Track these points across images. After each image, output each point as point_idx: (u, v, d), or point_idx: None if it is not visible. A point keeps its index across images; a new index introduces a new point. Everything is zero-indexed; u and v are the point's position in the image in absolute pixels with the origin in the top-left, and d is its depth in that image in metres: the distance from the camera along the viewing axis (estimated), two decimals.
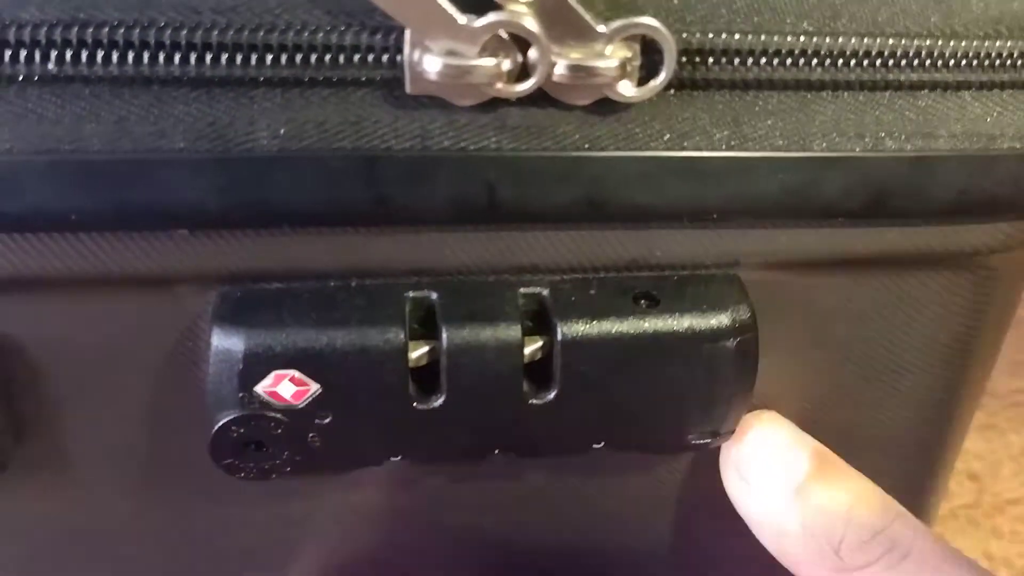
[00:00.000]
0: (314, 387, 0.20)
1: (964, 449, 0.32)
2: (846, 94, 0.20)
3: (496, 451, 0.22)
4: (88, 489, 0.23)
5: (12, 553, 0.24)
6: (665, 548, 0.26)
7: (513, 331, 0.20)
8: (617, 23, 0.18)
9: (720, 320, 0.21)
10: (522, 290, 0.21)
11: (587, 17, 0.18)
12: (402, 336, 0.20)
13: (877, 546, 0.21)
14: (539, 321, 0.21)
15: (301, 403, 0.20)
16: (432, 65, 0.18)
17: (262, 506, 0.24)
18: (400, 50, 0.18)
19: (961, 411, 0.26)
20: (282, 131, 0.18)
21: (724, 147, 0.19)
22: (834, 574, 0.21)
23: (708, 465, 0.24)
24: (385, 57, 0.18)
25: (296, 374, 0.20)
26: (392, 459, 0.22)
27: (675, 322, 0.21)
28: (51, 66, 0.17)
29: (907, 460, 0.26)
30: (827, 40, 0.19)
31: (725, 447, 0.23)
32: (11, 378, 0.21)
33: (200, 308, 0.21)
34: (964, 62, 0.19)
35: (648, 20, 0.18)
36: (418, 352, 0.21)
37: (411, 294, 0.21)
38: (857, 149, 0.20)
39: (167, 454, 0.23)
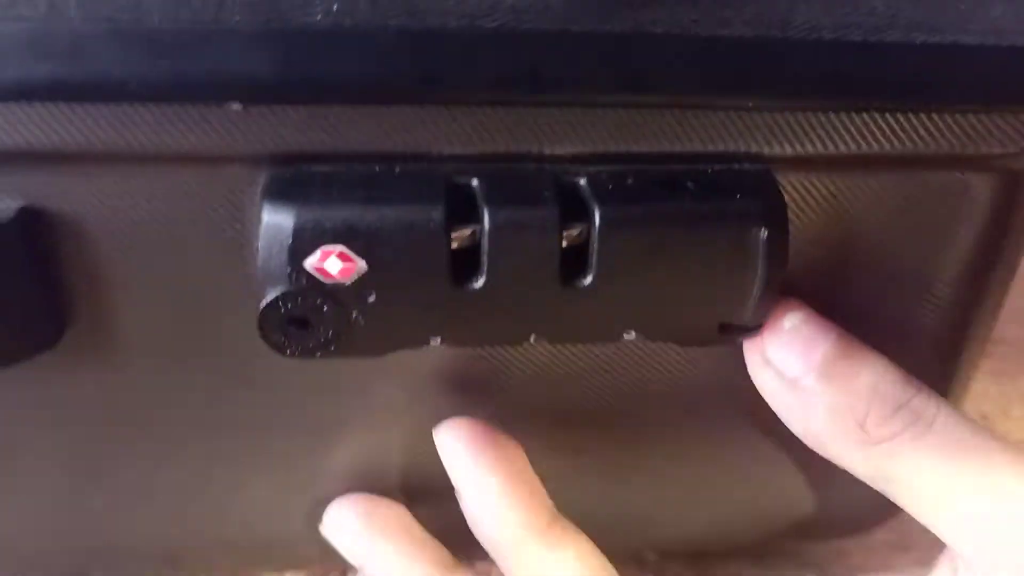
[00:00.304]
0: (360, 264, 0.21)
1: (975, 391, 0.32)
2: None
3: (532, 336, 0.23)
4: (135, 370, 0.24)
5: (59, 436, 0.25)
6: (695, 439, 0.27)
7: (552, 214, 0.21)
8: None
9: (752, 208, 0.22)
10: (561, 178, 0.22)
11: None
12: (444, 216, 0.21)
13: (901, 419, 0.22)
14: (577, 208, 0.22)
15: (347, 280, 0.21)
16: None
17: (306, 390, 0.25)
18: None
19: (980, 322, 0.27)
20: (335, 7, 0.19)
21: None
22: (860, 448, 0.22)
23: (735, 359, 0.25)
24: None
25: (343, 250, 0.21)
26: (432, 342, 0.22)
27: (708, 208, 0.22)
28: None
29: (926, 366, 0.27)
30: None
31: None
32: (61, 254, 0.22)
33: (250, 189, 0.21)
34: None
35: None
36: (460, 233, 0.21)
37: (454, 179, 0.22)
38: (889, 38, 0.20)
39: (213, 336, 0.24)
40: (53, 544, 0.29)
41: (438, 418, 0.26)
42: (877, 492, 0.23)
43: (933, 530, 0.23)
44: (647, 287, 0.22)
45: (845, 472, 0.25)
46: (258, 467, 0.27)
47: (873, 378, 0.22)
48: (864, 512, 0.30)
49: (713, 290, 0.22)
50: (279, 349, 0.22)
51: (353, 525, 0.27)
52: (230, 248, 0.22)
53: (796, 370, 0.23)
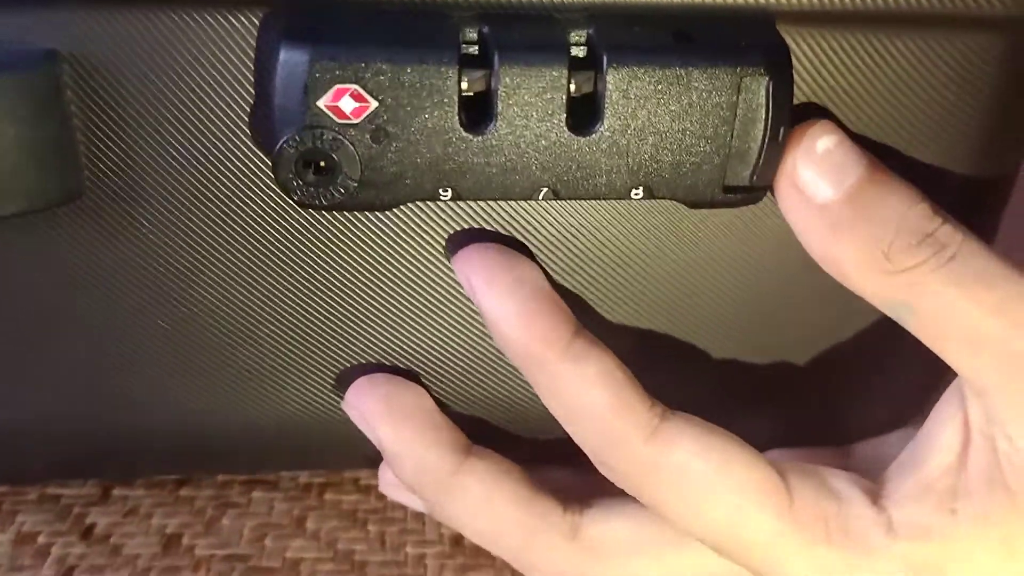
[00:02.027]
0: (373, 104, 0.22)
1: None
2: None
3: (542, 192, 0.23)
4: (158, 225, 0.25)
5: (86, 297, 0.26)
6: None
7: (561, 58, 0.22)
8: None
9: (757, 55, 0.22)
10: (571, 27, 0.22)
11: None
12: (456, 58, 0.21)
13: (926, 248, 0.22)
14: (586, 59, 0.22)
15: (360, 120, 0.22)
16: None
17: (324, 250, 0.25)
18: None
19: (990, 191, 0.27)
20: None
21: None
22: (882, 276, 0.22)
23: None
24: None
25: (357, 89, 0.22)
26: (442, 195, 0.23)
27: (714, 56, 0.22)
28: None
29: None
30: None
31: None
32: (86, 100, 0.23)
33: (270, 35, 0.22)
34: None
35: None
36: (471, 75, 0.22)
37: (467, 26, 0.22)
38: None
39: (235, 190, 0.24)
40: (77, 428, 0.29)
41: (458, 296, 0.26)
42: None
43: (948, 359, 0.23)
44: (654, 138, 0.23)
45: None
46: (280, 334, 0.27)
47: (902, 207, 0.22)
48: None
49: (718, 143, 0.23)
50: (290, 192, 0.22)
51: (374, 406, 0.27)
52: (246, 95, 0.23)
53: (825, 194, 0.23)
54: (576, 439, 0.24)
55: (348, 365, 0.28)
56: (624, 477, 0.24)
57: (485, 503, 0.26)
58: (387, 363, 0.28)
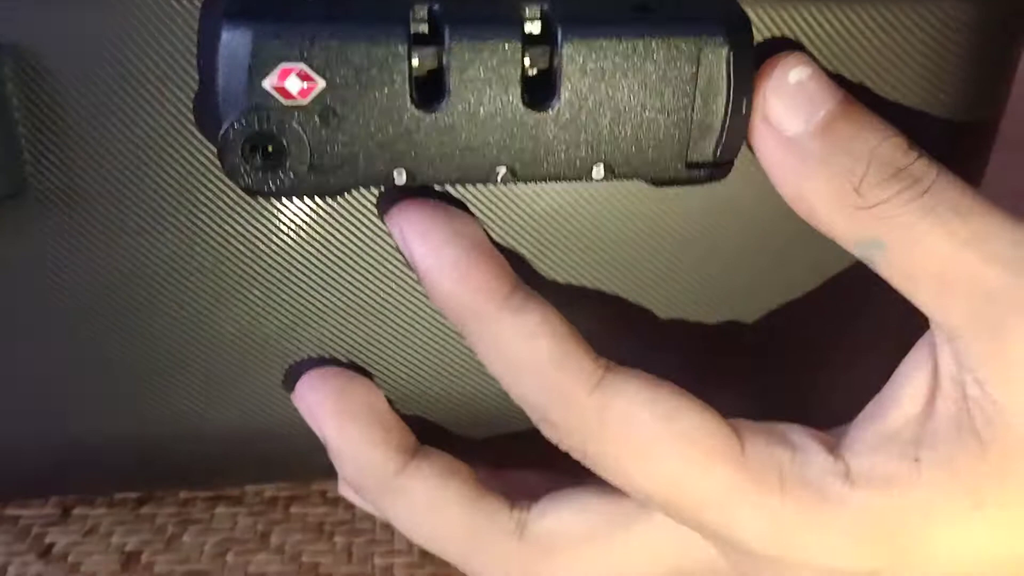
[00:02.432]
0: (320, 83, 0.21)
1: None
2: None
3: (500, 172, 0.22)
4: (104, 221, 0.24)
5: (27, 298, 0.25)
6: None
7: (514, 31, 0.21)
8: None
9: (716, 24, 0.22)
10: (525, 3, 0.22)
11: None
12: (406, 32, 0.21)
13: (898, 182, 0.21)
14: (541, 35, 0.22)
15: (307, 100, 0.21)
16: None
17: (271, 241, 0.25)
18: None
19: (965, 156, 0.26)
20: None
21: None
22: (852, 212, 0.21)
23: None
24: None
25: (302, 68, 0.21)
26: (396, 178, 0.22)
27: (672, 26, 0.22)
28: None
29: None
30: None
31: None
32: (29, 91, 0.22)
33: (215, 14, 0.21)
34: None
35: None
36: (422, 51, 0.21)
37: (417, 5, 0.22)
38: None
39: (177, 184, 0.23)
40: (23, 441, 0.28)
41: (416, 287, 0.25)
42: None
43: (919, 302, 0.22)
44: (613, 113, 0.22)
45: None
46: (232, 333, 0.26)
47: (875, 140, 0.22)
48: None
49: (679, 116, 0.22)
50: (238, 178, 0.22)
51: (322, 400, 0.26)
52: (191, 83, 0.22)
53: (795, 127, 0.22)
54: (517, 397, 0.23)
55: (302, 361, 0.27)
56: (568, 434, 0.22)
57: (429, 505, 0.25)
58: (342, 359, 0.27)
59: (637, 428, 0.22)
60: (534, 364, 0.22)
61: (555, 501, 0.25)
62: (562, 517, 0.25)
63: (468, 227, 0.23)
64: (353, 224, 0.25)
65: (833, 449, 0.23)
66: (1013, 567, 0.22)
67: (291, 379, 0.27)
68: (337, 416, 0.26)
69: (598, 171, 0.23)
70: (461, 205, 0.24)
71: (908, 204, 0.21)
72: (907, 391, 0.23)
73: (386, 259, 0.25)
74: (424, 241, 0.22)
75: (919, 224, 0.21)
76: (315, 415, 0.26)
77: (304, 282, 0.25)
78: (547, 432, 0.23)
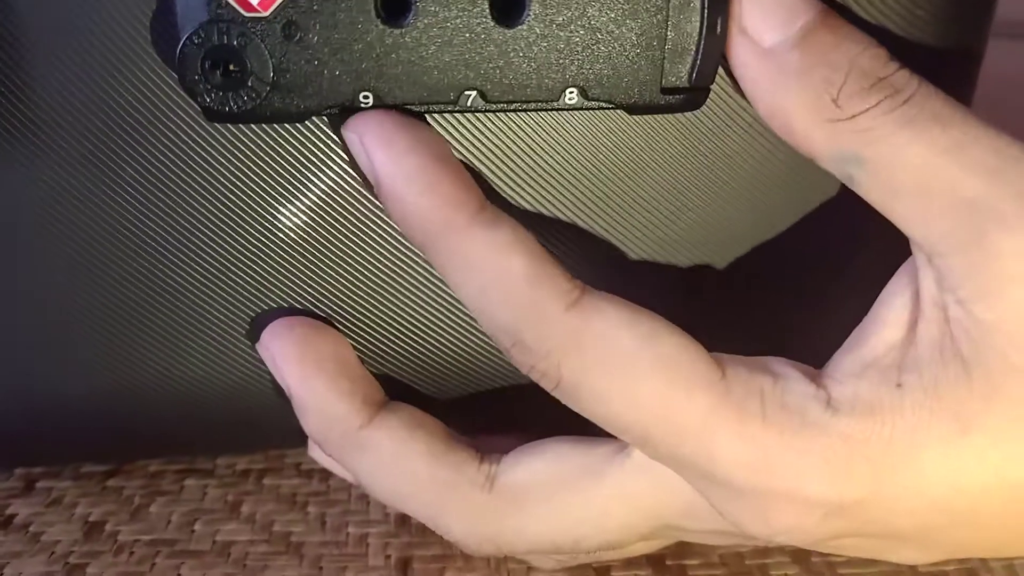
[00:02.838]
0: None
1: None
2: None
3: (469, 96, 0.22)
4: (59, 157, 0.23)
5: None
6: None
7: None
8: None
9: None
10: None
11: None
12: None
13: (877, 92, 0.20)
14: None
15: (269, 12, 0.20)
16: None
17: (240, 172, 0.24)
18: None
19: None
20: None
21: None
22: (830, 126, 0.21)
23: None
24: None
25: None
26: (362, 100, 0.22)
27: None
28: None
29: None
30: None
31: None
32: None
33: None
34: None
35: None
36: None
37: None
38: None
39: (136, 111, 0.23)
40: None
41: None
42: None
43: (899, 221, 0.21)
44: (585, 31, 0.21)
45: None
46: (195, 282, 0.25)
47: (854, 51, 0.21)
48: None
49: (652, 36, 0.22)
50: (197, 95, 0.21)
51: (288, 350, 0.25)
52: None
53: (773, 38, 0.21)
54: (487, 320, 0.22)
55: (268, 311, 0.26)
56: (543, 356, 0.21)
57: (395, 459, 0.24)
58: (310, 311, 0.26)
59: (616, 350, 0.21)
60: (508, 281, 0.21)
61: (526, 453, 0.24)
62: (533, 467, 0.24)
63: (433, 138, 0.22)
64: (324, 165, 0.24)
65: (815, 378, 0.22)
66: (1002, 493, 0.20)
67: (257, 329, 0.26)
68: (302, 365, 0.25)
69: (571, 96, 0.22)
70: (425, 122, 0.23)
71: (888, 114, 0.20)
72: (888, 317, 0.22)
73: (358, 207, 0.24)
74: (386, 149, 0.21)
75: (898, 134, 0.20)
76: (279, 364, 0.25)
77: (272, 226, 0.24)
78: (519, 357, 0.22)
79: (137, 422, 0.28)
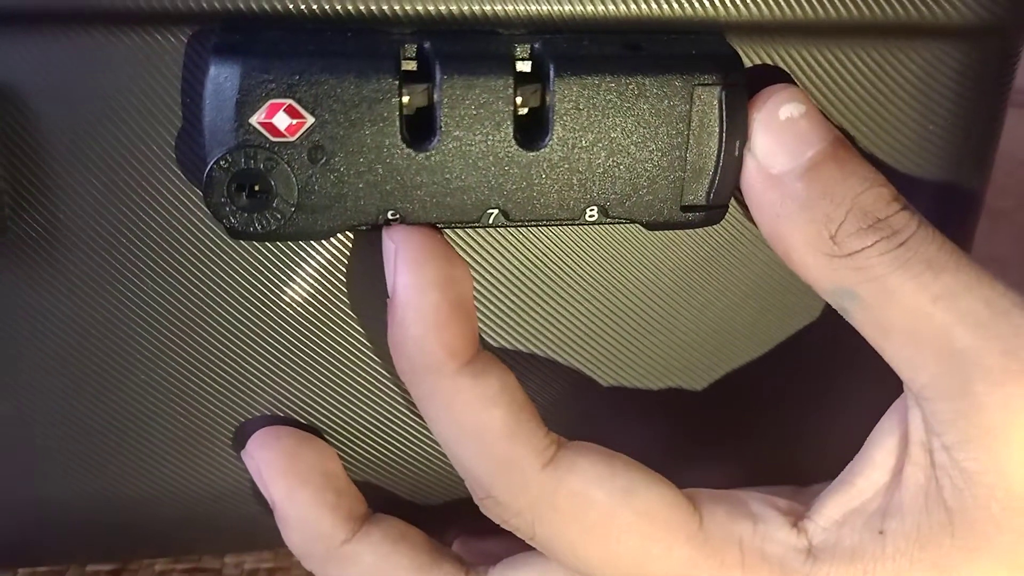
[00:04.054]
0: (309, 120, 0.21)
1: None
2: None
3: (492, 214, 0.22)
4: (81, 266, 0.23)
5: (5, 344, 0.24)
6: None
7: (506, 67, 0.21)
8: None
9: (710, 64, 0.21)
10: (517, 40, 0.22)
11: None
12: (396, 68, 0.20)
13: (875, 233, 0.21)
14: (532, 73, 0.22)
15: (296, 137, 0.21)
16: None
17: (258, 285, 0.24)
18: None
19: (960, 202, 0.26)
20: None
21: None
22: (825, 259, 0.21)
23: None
24: None
25: (291, 103, 0.20)
26: (389, 217, 0.22)
27: (664, 67, 0.21)
28: None
29: None
30: None
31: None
32: (7, 129, 0.21)
33: (203, 51, 0.21)
34: None
35: None
36: (412, 88, 0.21)
37: (407, 41, 0.21)
38: None
39: (160, 228, 0.23)
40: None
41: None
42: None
43: (890, 359, 0.21)
44: (606, 153, 0.22)
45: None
46: (208, 383, 0.25)
47: (858, 188, 0.21)
48: None
49: (673, 157, 0.22)
50: (222, 218, 0.21)
51: (273, 460, 0.25)
52: (176, 122, 0.22)
53: (781, 166, 0.21)
54: (462, 466, 0.22)
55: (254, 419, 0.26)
56: (516, 513, 0.21)
57: (378, 574, 0.24)
58: (296, 420, 0.26)
59: (592, 507, 0.21)
60: (487, 433, 0.21)
61: (513, 566, 0.24)
62: None
63: (460, 276, 0.22)
64: (336, 279, 0.24)
65: (798, 521, 0.22)
66: None
67: (242, 436, 0.26)
68: (286, 478, 0.24)
69: (592, 213, 0.22)
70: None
71: (882, 256, 0.20)
72: (876, 458, 0.22)
73: (348, 317, 0.24)
74: (413, 275, 0.21)
75: (891, 276, 0.20)
76: (264, 476, 0.24)
77: (289, 335, 0.24)
78: (491, 510, 0.22)
79: (145, 521, 0.28)
